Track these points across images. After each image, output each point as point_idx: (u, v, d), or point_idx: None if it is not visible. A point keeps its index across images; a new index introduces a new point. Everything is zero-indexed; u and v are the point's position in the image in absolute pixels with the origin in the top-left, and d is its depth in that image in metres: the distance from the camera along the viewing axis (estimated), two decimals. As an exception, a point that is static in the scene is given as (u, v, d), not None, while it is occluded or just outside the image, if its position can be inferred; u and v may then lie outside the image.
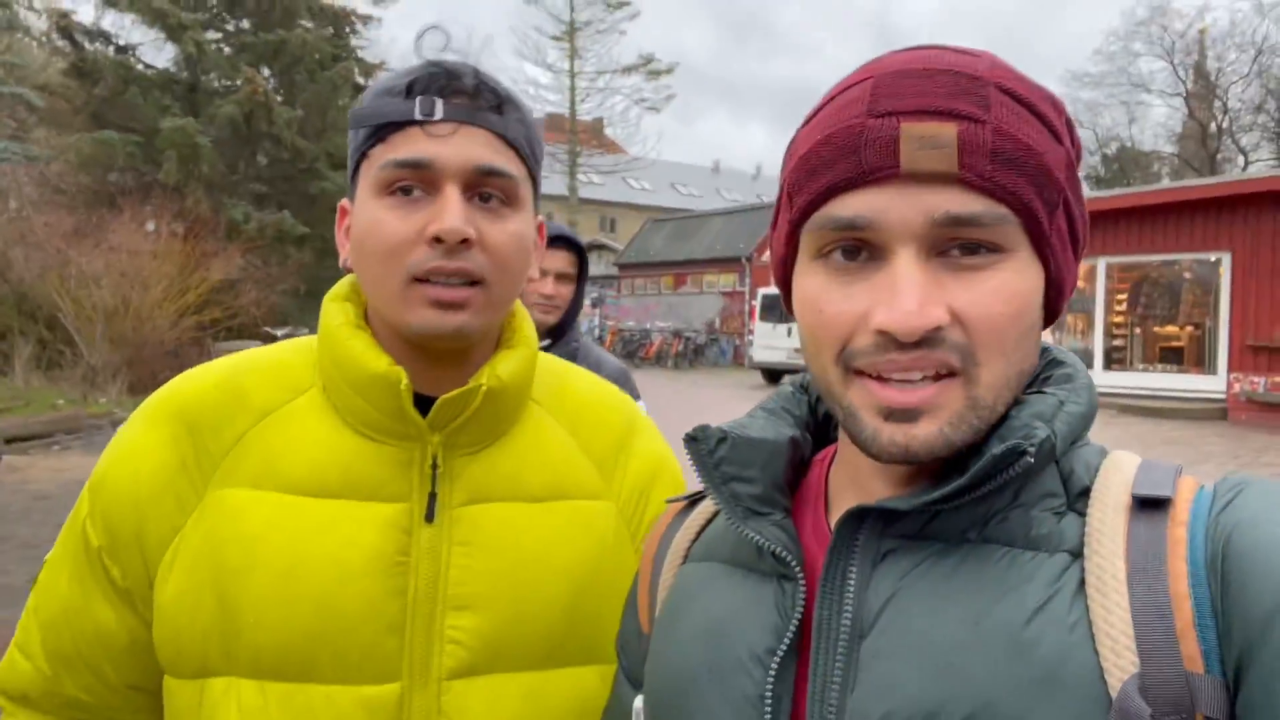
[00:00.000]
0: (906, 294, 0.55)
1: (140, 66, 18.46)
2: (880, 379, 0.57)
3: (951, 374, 0.57)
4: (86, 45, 18.15)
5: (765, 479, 0.68)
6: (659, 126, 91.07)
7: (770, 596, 0.65)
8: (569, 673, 0.89)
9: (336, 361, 0.87)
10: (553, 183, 34.03)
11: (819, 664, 0.60)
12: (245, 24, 19.08)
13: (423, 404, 0.86)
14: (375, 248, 0.83)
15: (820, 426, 0.76)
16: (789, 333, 17.85)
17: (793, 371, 16.07)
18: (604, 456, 0.98)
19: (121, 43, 18.57)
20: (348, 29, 20.42)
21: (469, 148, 0.82)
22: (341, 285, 0.94)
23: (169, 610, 0.84)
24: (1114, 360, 15.24)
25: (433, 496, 0.86)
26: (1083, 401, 0.61)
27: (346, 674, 0.82)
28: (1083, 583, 0.55)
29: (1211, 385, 13.50)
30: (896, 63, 0.60)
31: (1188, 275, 14.78)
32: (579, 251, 2.31)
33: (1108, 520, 0.57)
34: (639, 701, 0.74)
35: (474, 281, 0.83)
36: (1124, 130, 34.20)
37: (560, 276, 2.23)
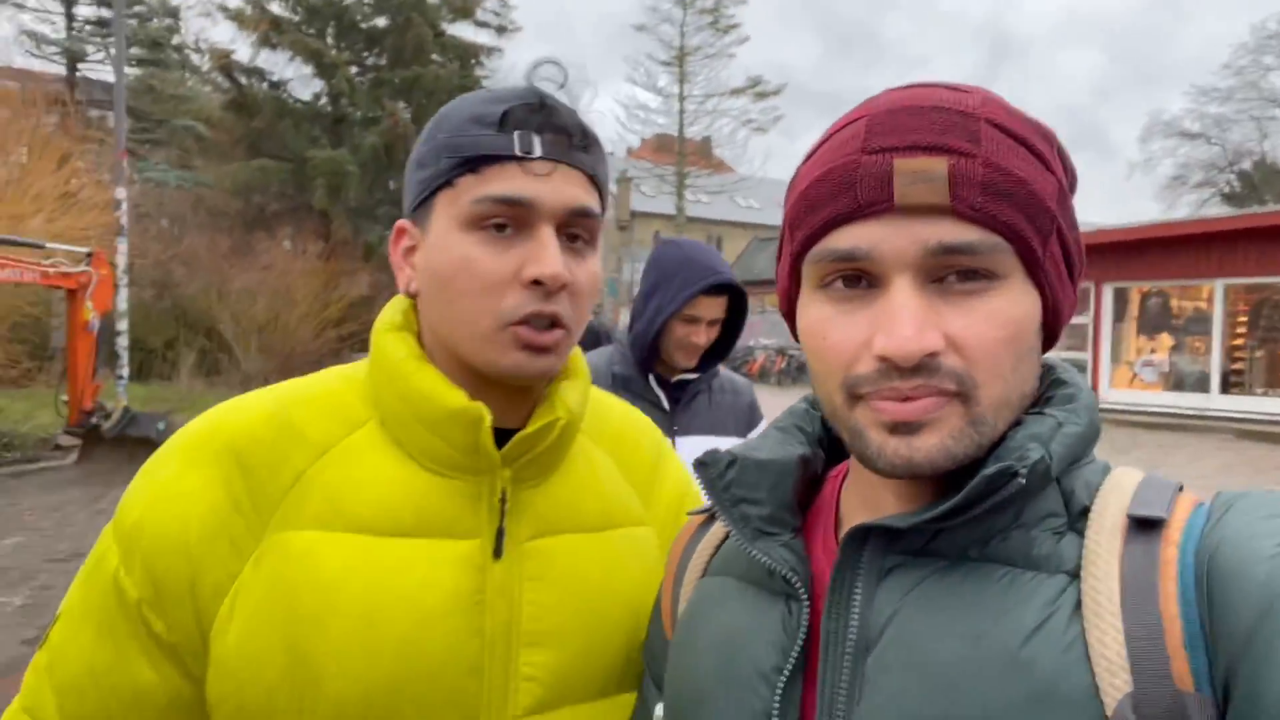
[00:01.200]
0: (903, 321, 0.57)
1: (291, 100, 20.28)
2: (882, 399, 0.59)
3: (949, 394, 0.58)
4: (244, 81, 20.07)
5: (773, 500, 0.70)
6: (766, 146, 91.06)
7: (778, 615, 0.67)
8: (624, 700, 0.89)
9: (404, 396, 0.84)
10: (661, 202, 34.92)
11: (826, 677, 0.62)
12: (383, 60, 20.68)
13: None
14: (467, 287, 0.80)
15: (835, 442, 0.77)
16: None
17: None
18: (642, 482, 0.99)
19: (275, 78, 20.45)
20: (474, 61, 21.85)
21: (566, 188, 0.81)
22: (393, 313, 0.89)
23: (231, 663, 0.78)
24: (1231, 384, 14.93)
25: (500, 532, 0.84)
26: (1082, 422, 0.62)
27: (428, 719, 0.79)
28: (1079, 604, 0.56)
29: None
30: (890, 101, 0.62)
31: (1314, 297, 14.37)
32: (737, 294, 2.17)
33: (1103, 542, 0.58)
34: (660, 709, 0.78)
35: (563, 326, 0.82)
36: (1254, 145, 32.76)
37: (713, 323, 2.11)
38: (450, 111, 0.85)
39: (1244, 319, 15.06)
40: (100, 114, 18.71)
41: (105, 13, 21.44)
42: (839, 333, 0.61)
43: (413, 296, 0.88)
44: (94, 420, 8.83)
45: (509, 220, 0.81)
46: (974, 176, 0.58)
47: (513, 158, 0.80)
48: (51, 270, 8.41)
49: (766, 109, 29.42)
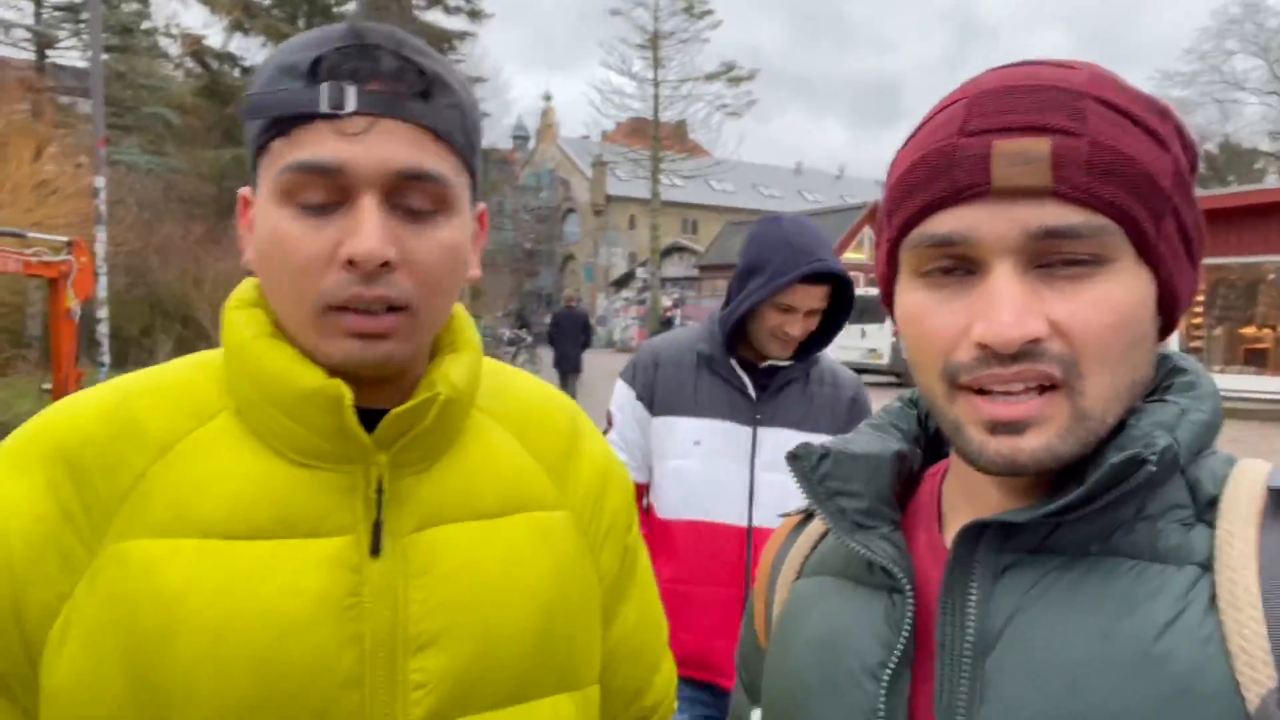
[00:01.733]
0: (1003, 306, 0.55)
1: (264, 87, 20.28)
2: (983, 393, 0.58)
3: (1055, 386, 0.56)
4: (216, 67, 20.02)
5: (870, 492, 0.69)
6: (740, 130, 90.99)
7: (881, 609, 0.65)
8: (544, 704, 0.81)
9: (255, 379, 0.75)
10: (636, 186, 35.06)
11: (944, 682, 0.60)
12: (355, 44, 20.67)
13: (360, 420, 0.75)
14: (283, 267, 0.71)
15: (932, 440, 0.76)
16: (862, 334, 18.43)
17: (862, 371, 16.68)
18: (555, 462, 0.90)
19: (247, 64, 20.41)
20: (446, 46, 21.89)
21: (388, 147, 0.70)
22: (246, 289, 0.80)
23: (63, 696, 0.69)
24: (1190, 362, 15.44)
25: (378, 525, 0.75)
26: (1207, 409, 0.60)
27: None
28: (1214, 597, 0.54)
29: (1271, 386, 13.63)
30: (991, 80, 0.60)
31: (1270, 277, 14.86)
32: (842, 283, 1.93)
33: (1237, 531, 0.55)
34: (756, 715, 0.76)
35: (397, 307, 0.72)
36: (1217, 128, 33.43)
37: (811, 313, 1.90)
38: (266, 61, 0.74)
39: (1201, 299, 15.55)
40: (71, 100, 18.59)
41: (75, -2, 21.31)
42: (937, 319, 0.60)
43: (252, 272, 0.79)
44: (77, 407, 8.96)
45: (324, 191, 0.70)
46: (1078, 156, 0.56)
47: (321, 115, 0.68)
48: (33, 259, 8.50)
49: (740, 94, 29.58)
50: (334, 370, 0.74)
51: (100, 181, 9.83)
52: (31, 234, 8.95)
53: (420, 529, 0.78)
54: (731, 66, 29.11)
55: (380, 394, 0.77)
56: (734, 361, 1.97)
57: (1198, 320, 15.56)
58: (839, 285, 1.93)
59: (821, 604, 0.71)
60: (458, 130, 0.75)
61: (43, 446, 0.74)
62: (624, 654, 0.95)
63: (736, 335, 1.95)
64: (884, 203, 0.66)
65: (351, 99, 0.69)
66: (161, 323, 15.98)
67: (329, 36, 0.72)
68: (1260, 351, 14.95)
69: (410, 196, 0.72)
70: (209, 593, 0.70)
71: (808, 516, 0.82)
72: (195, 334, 15.87)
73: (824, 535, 0.77)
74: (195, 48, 19.84)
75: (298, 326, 0.74)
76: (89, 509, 0.72)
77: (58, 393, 8.88)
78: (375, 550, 0.75)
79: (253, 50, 20.51)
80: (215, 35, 21.21)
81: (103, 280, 9.85)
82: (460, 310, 0.86)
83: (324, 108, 0.69)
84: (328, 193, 0.70)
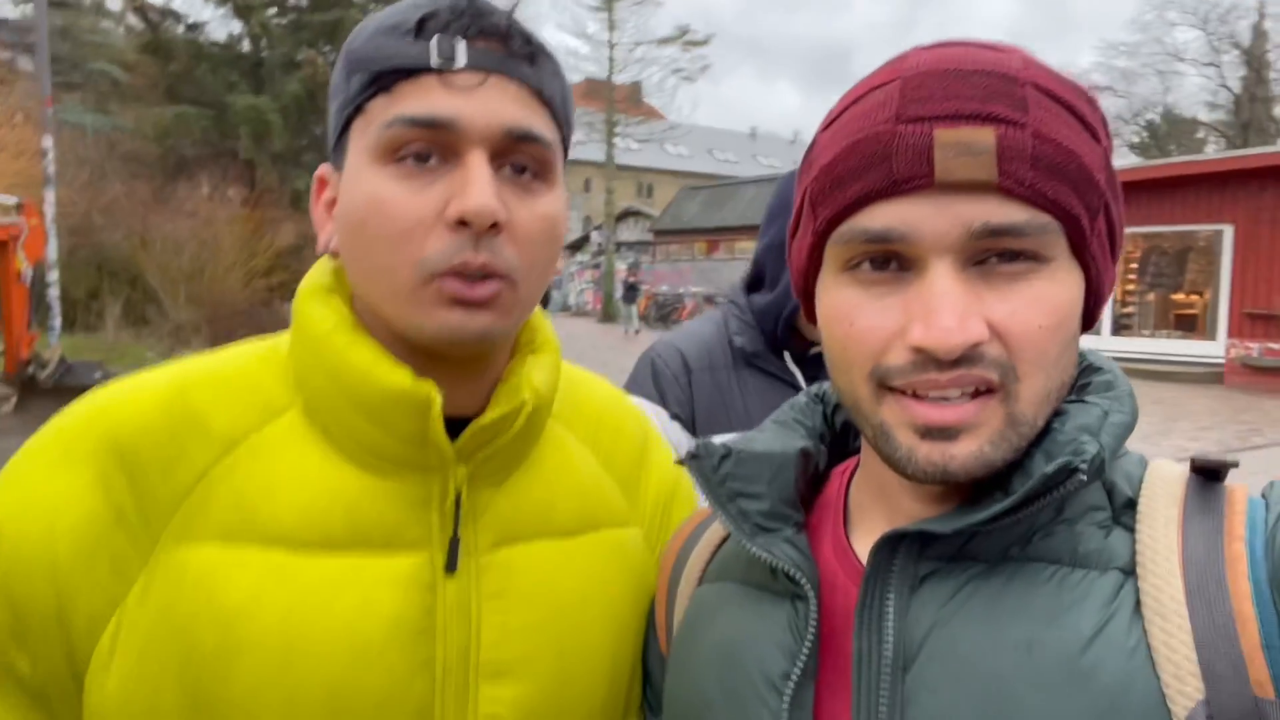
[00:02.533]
0: (945, 310, 0.53)
1: (208, 44, 19.82)
2: (915, 396, 0.55)
3: (990, 390, 0.55)
4: (159, 22, 19.52)
5: (774, 493, 0.66)
6: (694, 94, 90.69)
7: (784, 617, 0.63)
8: None
9: (334, 375, 0.70)
10: (591, 149, 34.89)
11: (862, 696, 0.58)
12: (304, 2, 20.27)
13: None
14: (380, 231, 0.66)
15: (838, 437, 0.74)
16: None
17: (813, 333, 17.01)
18: (627, 474, 0.86)
19: (191, 20, 19.92)
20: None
21: (500, 104, 0.67)
22: (322, 274, 0.76)
23: (112, 712, 0.64)
24: (1122, 326, 16.10)
25: (454, 541, 0.71)
26: (1126, 410, 0.59)
27: None
28: (1139, 604, 0.53)
29: (1211, 351, 14.32)
30: (924, 62, 0.57)
31: (1200, 244, 15.53)
32: None
33: (1159, 536, 0.55)
34: None
35: (498, 274, 0.67)
36: (1159, 98, 34.33)
37: None
38: (363, 25, 0.71)
39: (1134, 265, 16.19)
40: (10, 56, 18.04)
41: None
42: (868, 319, 0.57)
43: (336, 256, 0.75)
44: (30, 370, 8.94)
45: (430, 148, 0.66)
46: (1023, 149, 0.53)
47: (429, 70, 0.66)
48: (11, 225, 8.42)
49: (695, 58, 29.60)
50: (424, 349, 0.69)
51: (48, 142, 9.71)
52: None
53: (497, 546, 0.74)
54: (686, 30, 29.10)
55: (456, 396, 0.71)
56: (786, 354, 1.61)
57: (1131, 287, 16.21)
58: None
59: (723, 612, 0.69)
60: (559, 100, 0.73)
61: (94, 437, 0.68)
62: None
63: (782, 323, 1.58)
64: (806, 193, 0.62)
65: (462, 54, 0.67)
66: (109, 285, 15.76)
67: (436, 0, 0.69)
68: (1189, 317, 15.66)
69: (517, 159, 0.69)
70: (277, 611, 0.65)
71: (707, 519, 0.79)
72: (144, 296, 15.68)
73: (725, 539, 0.75)
74: (138, 3, 19.28)
75: (392, 299, 0.68)
76: (143, 508, 0.67)
77: (10, 357, 8.86)
78: (451, 567, 0.71)
79: (196, 6, 20.04)
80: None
81: (52, 243, 9.78)
82: (538, 307, 0.80)
83: (434, 62, 0.66)
84: (434, 151, 0.67)
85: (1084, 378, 0.63)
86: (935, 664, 0.56)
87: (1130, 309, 16.32)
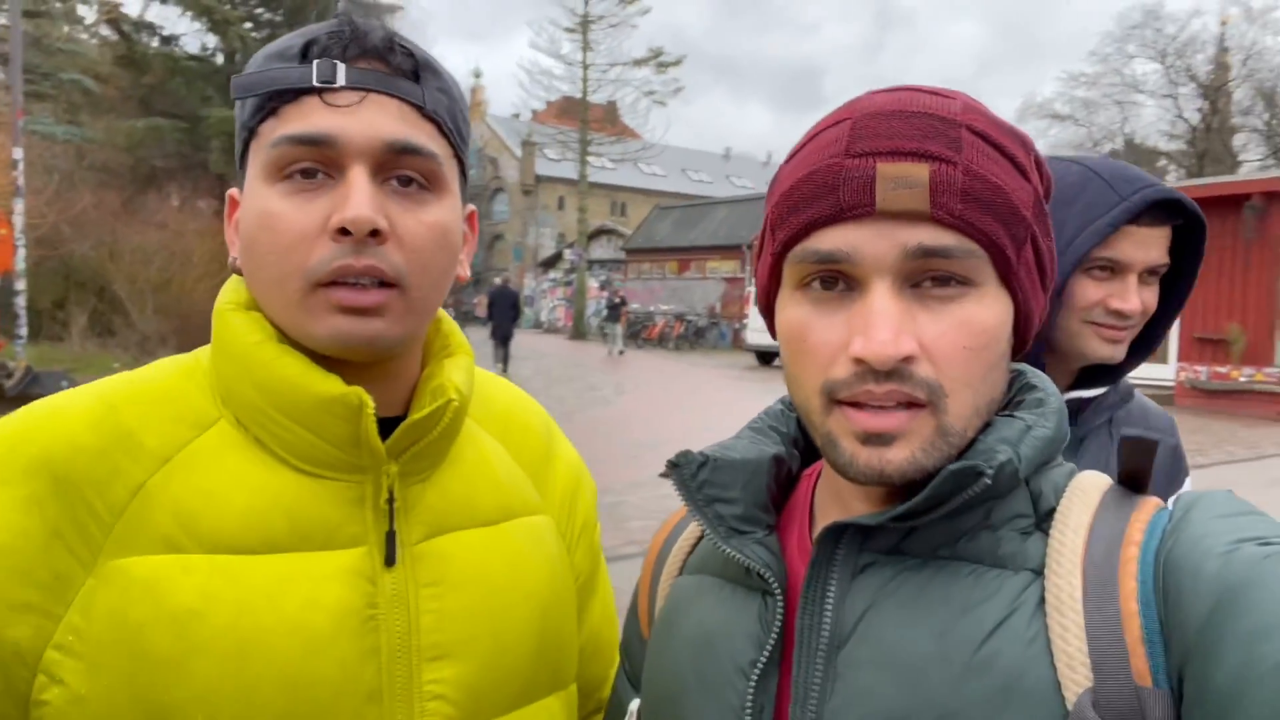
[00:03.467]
0: (881, 325, 0.58)
1: (183, 57, 19.86)
2: (856, 406, 0.60)
3: (920, 404, 0.60)
4: (133, 35, 19.53)
5: (746, 498, 0.71)
6: (668, 115, 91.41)
7: (754, 610, 0.68)
8: (539, 706, 0.84)
9: (264, 386, 0.72)
10: (566, 167, 35.15)
11: (800, 673, 0.63)
12: (279, 16, 20.38)
13: None
14: (270, 245, 0.70)
15: (809, 442, 0.77)
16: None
17: (778, 352, 17.24)
18: (536, 467, 0.92)
19: (166, 33, 19.96)
20: (377, 21, 21.69)
21: (378, 120, 0.70)
22: (237, 290, 0.77)
23: None
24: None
25: (390, 535, 0.75)
26: (1050, 425, 0.63)
27: None
28: (1043, 600, 0.58)
29: (1162, 374, 14.77)
30: (874, 104, 0.63)
31: (1152, 272, 15.98)
32: (1193, 221, 1.24)
33: (1068, 540, 0.60)
34: (635, 704, 0.79)
35: (387, 283, 0.71)
36: (1117, 128, 35.25)
37: (1154, 273, 1.24)
38: (257, 54, 0.75)
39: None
40: (-21, 65, 17.95)
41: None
42: (818, 335, 0.62)
43: (240, 273, 0.77)
44: (-4, 379, 8.96)
45: (315, 165, 0.70)
46: (954, 184, 0.59)
47: (311, 90, 0.70)
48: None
49: (668, 80, 29.96)
50: (321, 353, 0.73)
51: (18, 153, 9.75)
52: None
53: (429, 537, 0.78)
54: (659, 52, 29.43)
55: (378, 400, 0.74)
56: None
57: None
58: (1182, 234, 1.25)
59: (700, 602, 0.74)
60: (446, 114, 0.76)
61: (25, 456, 0.69)
62: (590, 650, 0.96)
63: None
64: (768, 217, 0.68)
65: (341, 74, 0.70)
66: (76, 295, 15.67)
67: (322, 26, 0.73)
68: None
69: (401, 171, 0.72)
70: (228, 611, 0.68)
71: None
72: (110, 307, 15.61)
73: (704, 534, 0.79)
74: (112, 15, 19.30)
75: (284, 309, 0.72)
76: (81, 525, 0.68)
77: (-24, 364, 8.85)
78: (390, 560, 0.75)
79: (171, 19, 20.21)
80: (133, 3, 20.66)
81: (20, 253, 9.79)
82: (445, 314, 0.87)
83: (315, 82, 0.70)
84: (317, 167, 0.70)
85: (1019, 395, 0.68)
86: (863, 645, 0.62)
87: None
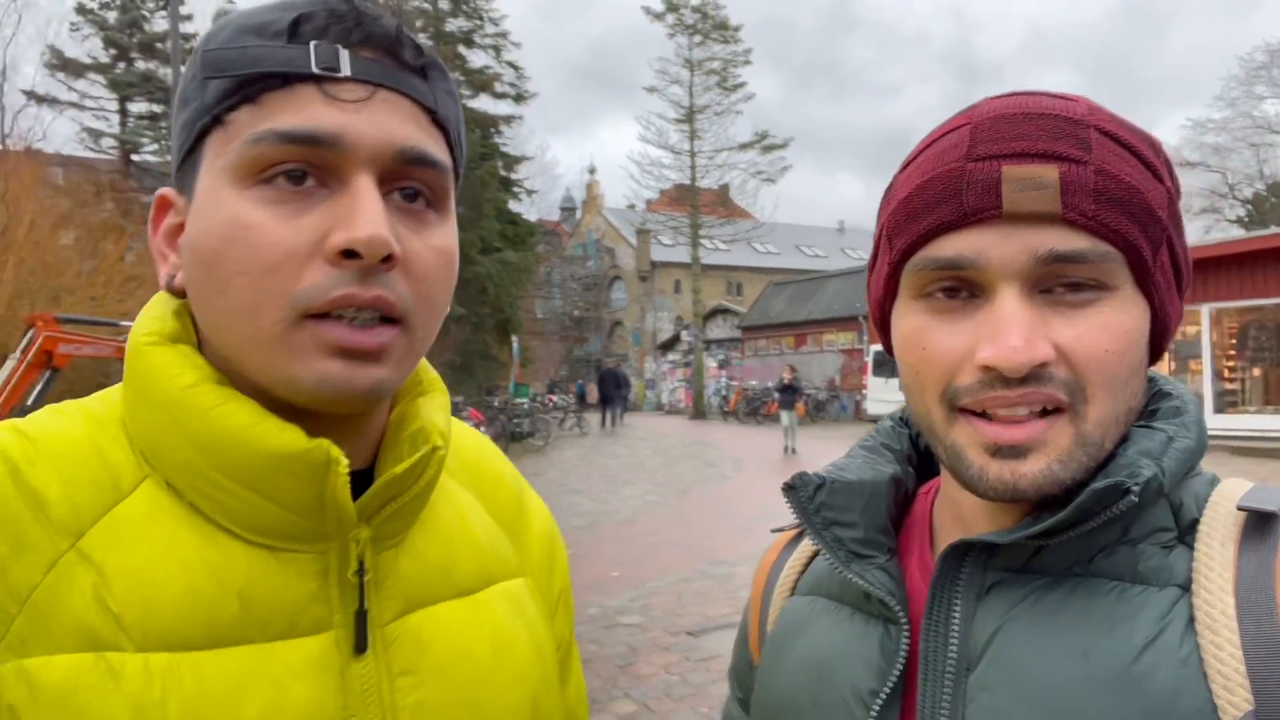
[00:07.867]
0: (1011, 330, 0.55)
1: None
2: (985, 416, 0.57)
3: (1059, 410, 0.57)
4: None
5: (866, 522, 0.69)
6: (776, 193, 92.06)
7: (875, 637, 0.66)
8: None
9: (200, 442, 0.58)
10: (680, 251, 35.95)
11: (926, 699, 0.61)
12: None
13: None
14: (241, 265, 0.56)
15: (924, 458, 0.76)
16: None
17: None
18: (511, 522, 0.79)
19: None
20: (493, 130, 23.28)
21: (389, 122, 0.58)
22: (160, 317, 0.62)
23: None
24: (1227, 403, 15.54)
25: (361, 615, 0.61)
26: (1192, 436, 0.61)
27: None
28: (1193, 618, 0.55)
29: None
30: (994, 108, 0.60)
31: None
32: None
33: (1215, 553, 0.57)
34: None
35: (391, 319, 0.58)
36: (1254, 171, 33.45)
37: None
38: (221, 24, 0.61)
39: (1232, 340, 15.71)
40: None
41: (156, 108, 23.33)
42: (939, 343, 0.60)
43: (178, 293, 0.63)
44: None
45: (306, 168, 0.57)
46: (1085, 183, 0.56)
47: (309, 77, 0.57)
48: (125, 345, 9.47)
49: (774, 160, 30.57)
50: (301, 406, 0.59)
51: (183, 273, 10.89)
52: (123, 323, 10.03)
53: (402, 614, 0.65)
54: (765, 135, 30.17)
55: (344, 451, 0.60)
56: None
57: (1231, 363, 15.70)
58: None
59: (815, 625, 0.72)
60: (453, 121, 0.65)
61: None
62: None
63: None
64: (883, 227, 0.66)
65: (346, 62, 0.58)
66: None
67: (311, 0, 0.59)
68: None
69: (407, 184, 0.60)
70: None
71: (801, 532, 0.82)
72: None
73: (816, 553, 0.78)
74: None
75: (255, 347, 0.57)
76: None
77: None
78: (361, 647, 0.62)
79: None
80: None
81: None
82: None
83: (314, 68, 0.57)
84: (311, 172, 0.57)
85: (1154, 404, 0.65)
86: (995, 668, 0.59)
87: (1233, 384, 15.77)
